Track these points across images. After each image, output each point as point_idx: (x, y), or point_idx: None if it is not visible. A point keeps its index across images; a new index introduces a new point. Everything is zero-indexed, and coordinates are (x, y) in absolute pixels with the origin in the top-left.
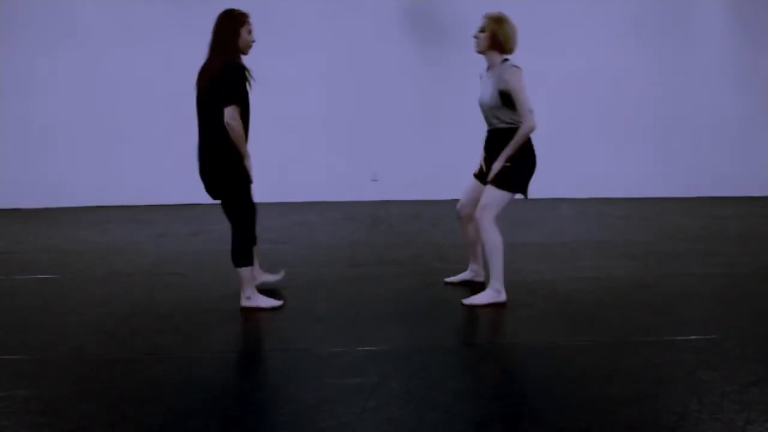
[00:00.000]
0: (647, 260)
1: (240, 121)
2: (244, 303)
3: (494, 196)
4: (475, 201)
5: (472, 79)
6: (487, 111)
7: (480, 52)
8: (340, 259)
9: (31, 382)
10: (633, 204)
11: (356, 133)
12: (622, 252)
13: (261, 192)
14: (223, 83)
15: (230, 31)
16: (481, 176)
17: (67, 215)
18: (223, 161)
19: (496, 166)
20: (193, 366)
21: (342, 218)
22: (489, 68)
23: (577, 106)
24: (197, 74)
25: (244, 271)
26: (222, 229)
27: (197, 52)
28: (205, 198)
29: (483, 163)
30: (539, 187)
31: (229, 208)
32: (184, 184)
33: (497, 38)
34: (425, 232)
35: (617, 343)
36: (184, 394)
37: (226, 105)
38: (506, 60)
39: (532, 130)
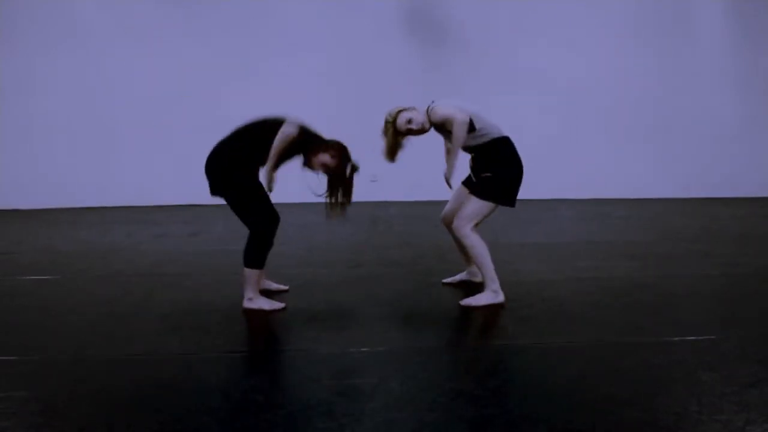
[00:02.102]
0: (647, 261)
1: (290, 134)
2: (246, 304)
3: (475, 207)
4: (459, 209)
5: (471, 80)
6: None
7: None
8: (340, 260)
9: (31, 382)
10: (633, 204)
11: (356, 133)
12: (621, 252)
13: None
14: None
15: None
16: (468, 183)
17: (66, 216)
18: (229, 166)
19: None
20: (193, 366)
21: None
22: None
23: (577, 106)
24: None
25: (251, 272)
26: (221, 230)
27: (196, 52)
28: (204, 198)
29: (471, 171)
30: (539, 187)
31: (236, 211)
32: (184, 184)
33: (416, 121)
34: (425, 233)
35: (617, 343)
36: (183, 394)
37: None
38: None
39: (463, 121)
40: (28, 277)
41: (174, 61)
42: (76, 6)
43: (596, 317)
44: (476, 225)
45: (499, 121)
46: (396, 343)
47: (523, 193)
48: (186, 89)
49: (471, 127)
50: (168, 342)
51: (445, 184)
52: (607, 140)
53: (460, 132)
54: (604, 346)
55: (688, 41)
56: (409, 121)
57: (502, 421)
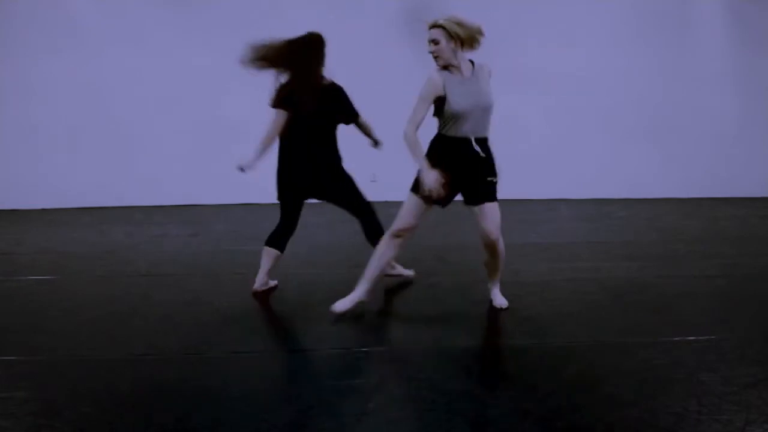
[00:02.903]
0: (647, 261)
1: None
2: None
3: (498, 212)
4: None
5: None
6: (485, 116)
7: (446, 63)
8: (340, 261)
9: (30, 383)
10: (632, 204)
11: (355, 133)
12: (621, 253)
13: (261, 193)
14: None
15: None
16: (469, 196)
17: (66, 216)
18: (337, 161)
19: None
20: (192, 366)
21: (341, 219)
22: (462, 71)
23: (577, 106)
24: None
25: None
26: (221, 230)
27: (195, 52)
28: (204, 198)
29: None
30: (539, 187)
31: (355, 199)
32: (184, 185)
33: (461, 37)
34: (425, 233)
35: (617, 344)
36: (182, 394)
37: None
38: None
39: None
40: (27, 278)
41: (173, 61)
42: (77, 6)
43: (596, 318)
44: None
45: (501, 121)
46: (396, 343)
47: (523, 193)
48: (185, 90)
49: None
50: (166, 343)
51: None
52: (606, 140)
53: None
54: (604, 346)
55: (687, 41)
56: (436, 42)
57: (501, 422)
